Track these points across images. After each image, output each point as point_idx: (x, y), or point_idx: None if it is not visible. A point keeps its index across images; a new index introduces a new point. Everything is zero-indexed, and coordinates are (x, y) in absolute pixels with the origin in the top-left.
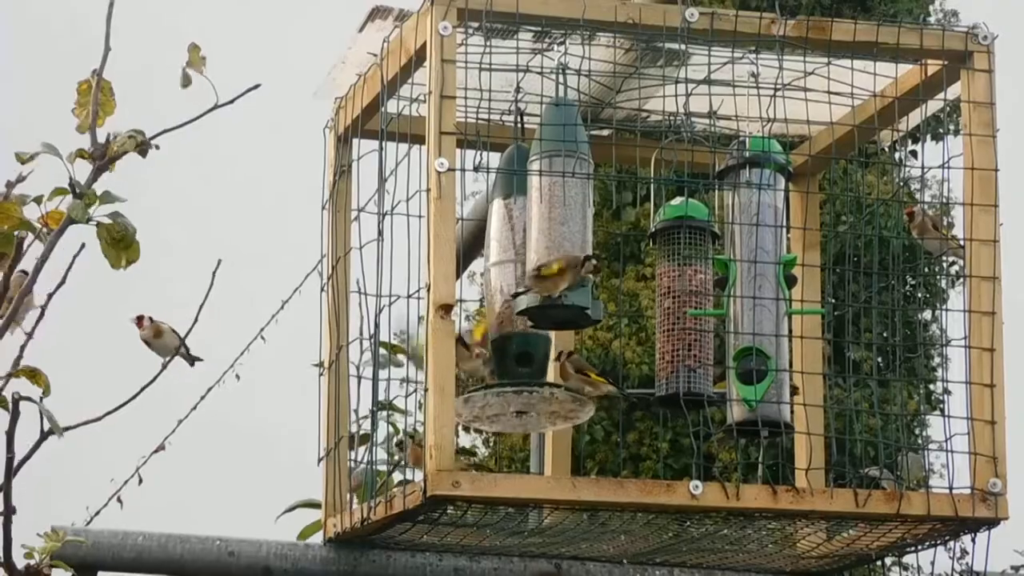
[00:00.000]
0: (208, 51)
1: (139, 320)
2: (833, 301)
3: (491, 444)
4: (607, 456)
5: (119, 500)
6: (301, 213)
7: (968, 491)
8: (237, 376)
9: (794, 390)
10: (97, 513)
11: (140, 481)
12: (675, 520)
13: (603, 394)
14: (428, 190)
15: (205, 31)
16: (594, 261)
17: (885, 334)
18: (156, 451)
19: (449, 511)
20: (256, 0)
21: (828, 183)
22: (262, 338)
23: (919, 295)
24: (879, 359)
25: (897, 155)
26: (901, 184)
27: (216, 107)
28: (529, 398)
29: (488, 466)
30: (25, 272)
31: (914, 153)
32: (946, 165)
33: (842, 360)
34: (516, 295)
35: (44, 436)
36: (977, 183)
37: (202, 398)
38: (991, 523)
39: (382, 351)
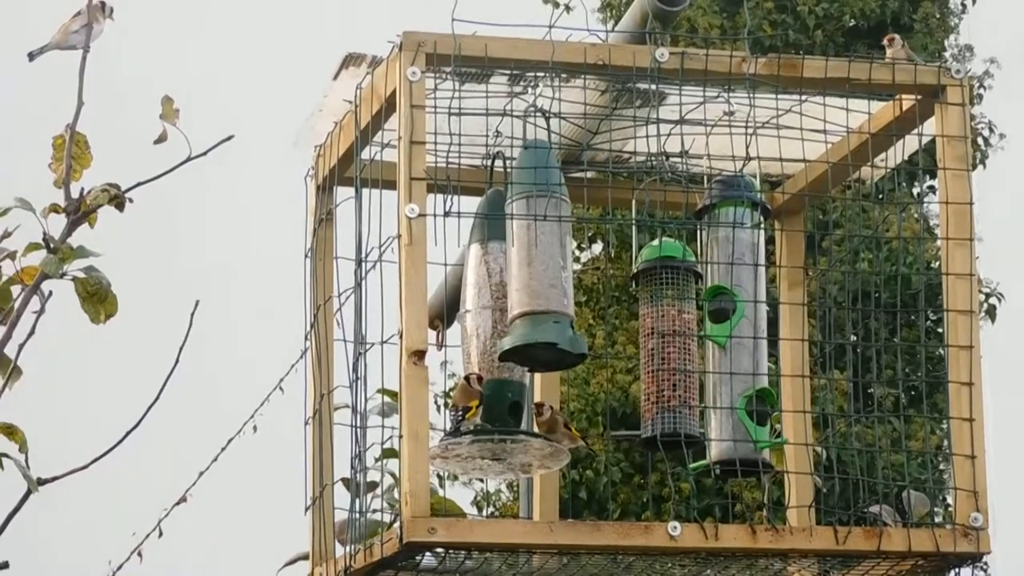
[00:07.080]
0: (187, 103)
1: None
2: (855, 337)
3: (514, 488)
4: (629, 498)
5: (139, 554)
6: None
7: (950, 526)
8: (255, 428)
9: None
10: (119, 567)
11: (160, 534)
12: (657, 561)
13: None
14: (399, 236)
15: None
16: None
17: (907, 369)
18: (178, 503)
19: (428, 557)
20: (235, 49)
21: (845, 220)
22: (280, 389)
23: (940, 331)
24: (900, 395)
25: (916, 191)
26: (918, 220)
27: (189, 159)
28: (506, 446)
29: (514, 510)
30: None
31: (932, 188)
32: (920, 200)
33: (860, 396)
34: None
35: (27, 494)
36: (952, 217)
37: (223, 450)
38: (974, 558)
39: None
